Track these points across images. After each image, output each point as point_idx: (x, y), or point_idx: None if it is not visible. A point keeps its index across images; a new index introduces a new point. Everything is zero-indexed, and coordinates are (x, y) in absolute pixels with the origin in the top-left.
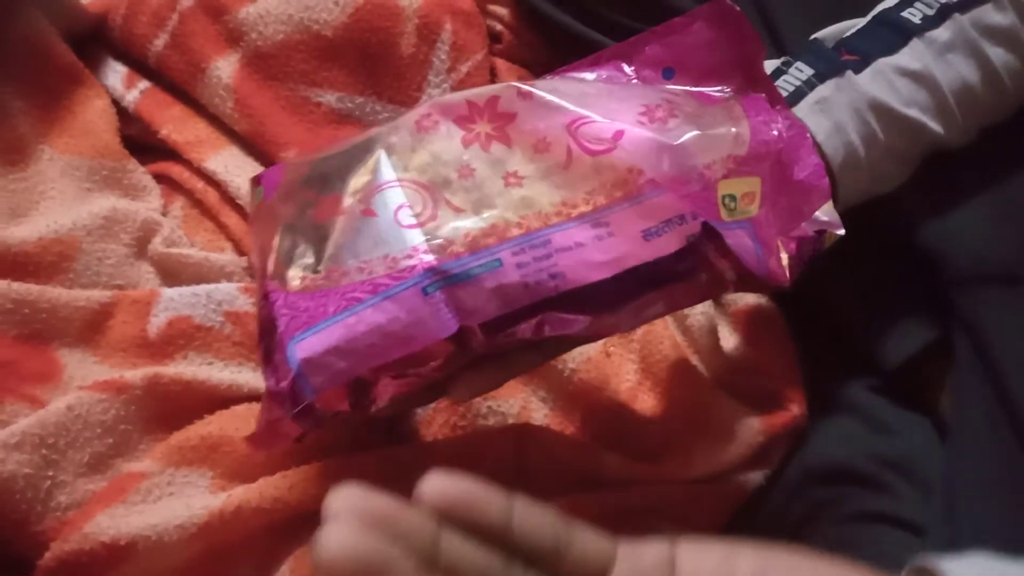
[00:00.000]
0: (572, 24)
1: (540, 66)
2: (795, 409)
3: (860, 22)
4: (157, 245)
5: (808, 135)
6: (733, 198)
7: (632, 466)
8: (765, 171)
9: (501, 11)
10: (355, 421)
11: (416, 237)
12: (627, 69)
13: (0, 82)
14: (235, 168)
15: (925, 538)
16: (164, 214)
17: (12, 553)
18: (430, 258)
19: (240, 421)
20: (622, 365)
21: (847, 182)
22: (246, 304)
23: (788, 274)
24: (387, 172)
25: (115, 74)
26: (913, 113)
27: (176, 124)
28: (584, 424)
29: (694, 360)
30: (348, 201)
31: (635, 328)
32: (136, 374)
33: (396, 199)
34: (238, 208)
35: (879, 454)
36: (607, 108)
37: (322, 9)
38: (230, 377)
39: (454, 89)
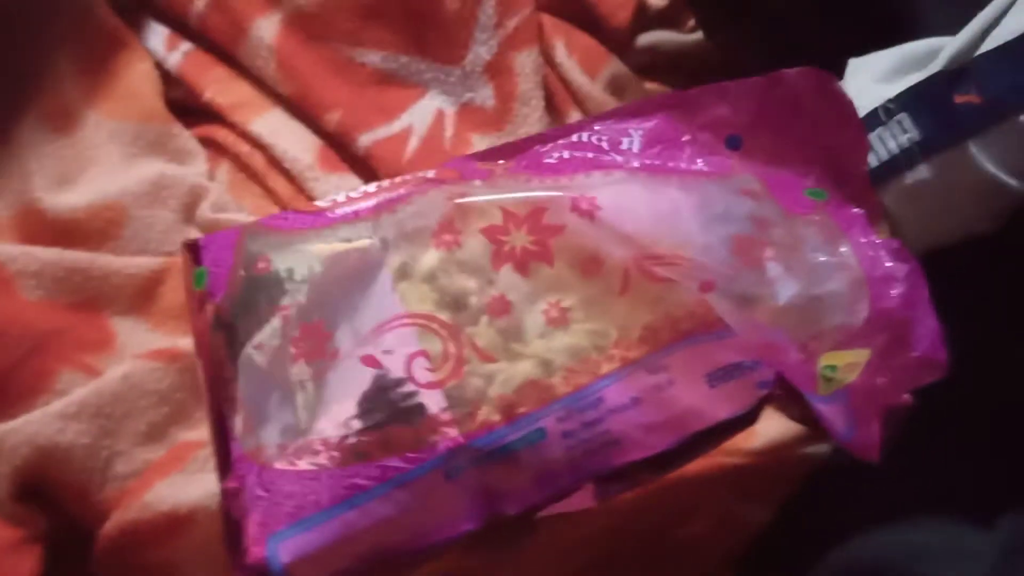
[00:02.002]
0: None
1: (589, 23)
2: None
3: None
4: (205, 210)
5: (926, 287)
6: (833, 369)
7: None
8: (879, 345)
9: None
10: None
11: (436, 401)
12: (682, 127)
13: (45, 47)
14: (280, 131)
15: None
16: (211, 178)
17: (74, 523)
18: (455, 432)
19: None
20: None
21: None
22: None
23: (878, 450)
24: (394, 303)
25: (157, 36)
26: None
27: (220, 86)
28: None
29: None
30: (341, 337)
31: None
32: (189, 342)
33: (408, 344)
34: (285, 172)
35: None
36: (687, 233)
37: None
38: None
39: (501, 47)
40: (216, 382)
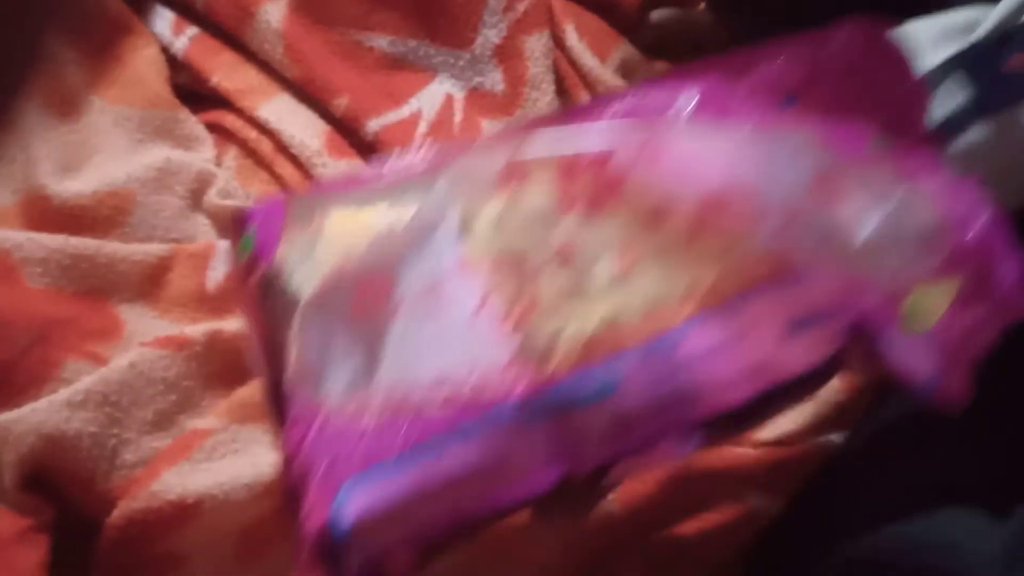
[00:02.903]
0: None
1: (599, 5)
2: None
3: None
4: (212, 197)
5: (1004, 224)
6: (917, 308)
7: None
8: (962, 281)
9: None
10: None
11: (508, 345)
12: (735, 88)
13: (50, 33)
14: (288, 116)
15: None
16: (218, 164)
17: (80, 512)
18: (528, 380)
19: None
20: None
21: None
22: None
23: (965, 395)
24: (460, 247)
25: (162, 20)
26: None
27: (226, 71)
28: None
29: None
30: (405, 286)
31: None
32: (197, 329)
33: (476, 289)
34: (292, 158)
35: None
36: (769, 175)
37: None
38: None
39: (510, 30)
40: (271, 344)
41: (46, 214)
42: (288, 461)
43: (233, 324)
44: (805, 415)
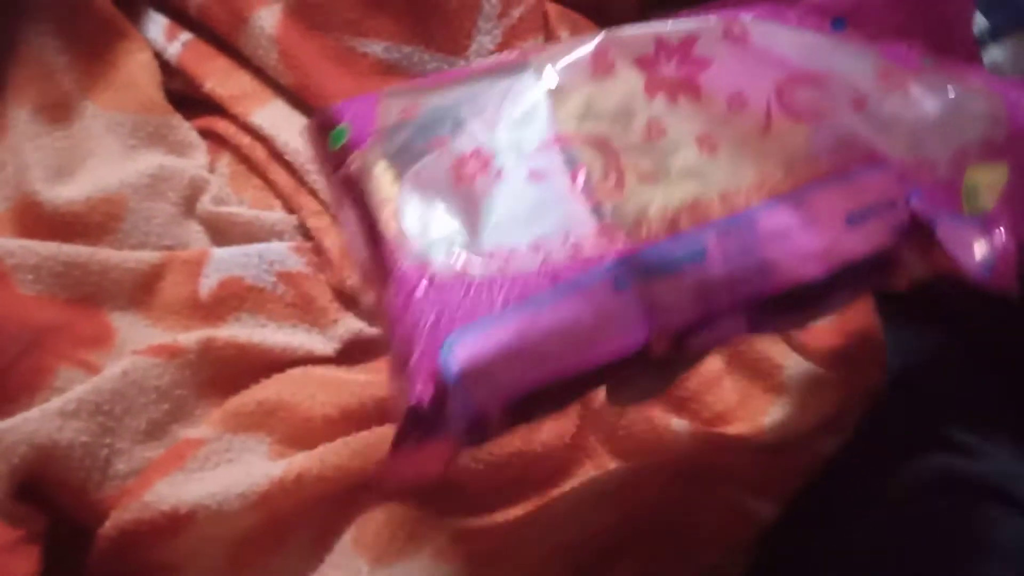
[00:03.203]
0: None
1: (594, 11)
2: (874, 369)
3: None
4: (206, 203)
5: None
6: (976, 188)
7: (699, 431)
8: (1017, 157)
9: None
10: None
11: (602, 213)
12: (787, 13)
13: (41, 37)
14: (282, 122)
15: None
16: (211, 171)
17: (72, 522)
18: (622, 243)
19: (296, 385)
20: None
21: None
22: (298, 264)
23: (1017, 281)
24: (554, 123)
25: (156, 25)
26: None
27: (220, 77)
28: None
29: None
30: (503, 159)
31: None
32: (190, 337)
33: (571, 160)
34: (286, 164)
35: (971, 412)
36: (838, 65)
37: None
38: (284, 339)
39: (505, 36)
40: (369, 223)
41: (38, 220)
42: (393, 324)
43: (226, 331)
44: (802, 419)
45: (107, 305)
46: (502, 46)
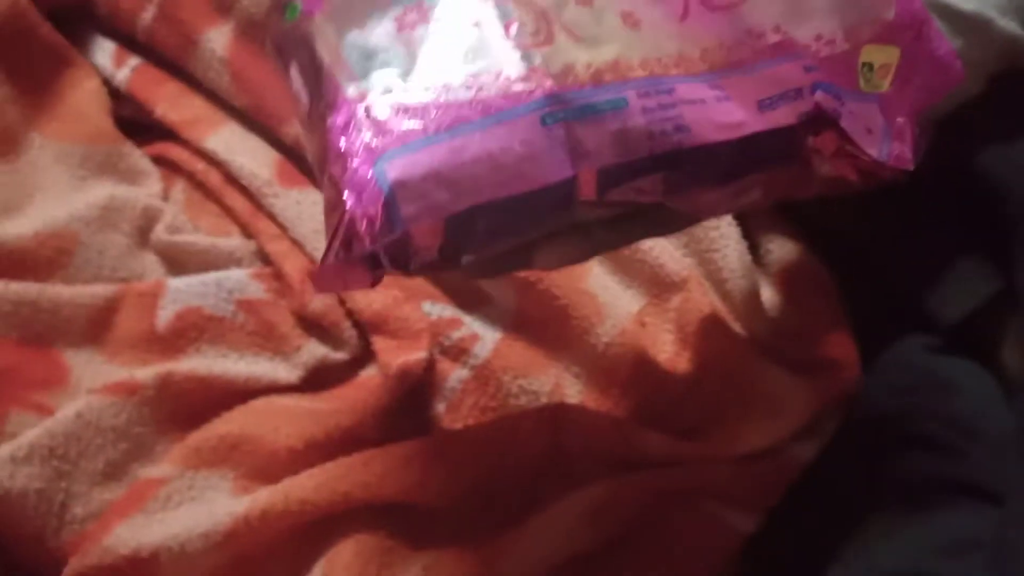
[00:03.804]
0: None
1: None
2: (848, 374)
3: None
4: (160, 233)
5: (933, 20)
6: (871, 67)
7: (674, 444)
8: (906, 43)
9: None
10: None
11: (532, 58)
12: None
13: None
14: (236, 146)
15: (1005, 508)
16: (166, 198)
17: (29, 570)
18: (550, 83)
19: (259, 417)
20: (658, 336)
21: None
22: (258, 291)
23: (913, 161)
24: None
25: (103, 52)
26: (972, 7)
27: (171, 102)
28: (621, 400)
29: (736, 327)
30: (441, 10)
31: (731, 212)
32: (147, 373)
33: (504, 13)
34: (242, 189)
35: (939, 412)
36: None
37: None
38: (247, 369)
39: None
40: (315, 73)
41: None
42: (333, 146)
43: (186, 364)
44: (777, 427)
45: (60, 343)
46: None
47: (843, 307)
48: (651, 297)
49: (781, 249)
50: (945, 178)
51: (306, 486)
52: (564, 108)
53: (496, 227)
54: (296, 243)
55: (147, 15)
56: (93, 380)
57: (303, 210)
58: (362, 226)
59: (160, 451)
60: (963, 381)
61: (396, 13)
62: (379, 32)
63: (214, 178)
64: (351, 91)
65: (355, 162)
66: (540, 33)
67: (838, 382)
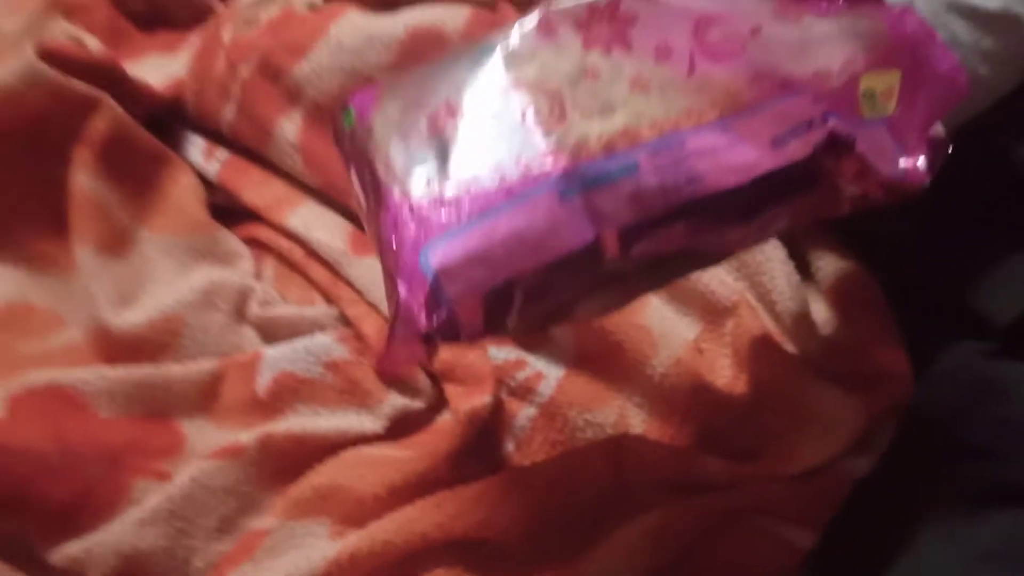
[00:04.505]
0: None
1: None
2: (900, 386)
3: None
4: (254, 308)
5: (936, 34)
6: (873, 94)
7: (733, 467)
8: (906, 64)
9: None
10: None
11: (547, 140)
12: None
13: (95, 180)
14: (314, 222)
15: None
16: (258, 274)
17: None
18: (565, 161)
19: (347, 467)
20: (716, 360)
21: None
22: (342, 353)
23: (927, 175)
24: (507, 76)
25: (195, 148)
26: (998, 6)
27: (256, 188)
28: (682, 427)
29: (788, 347)
30: (467, 107)
31: (764, 241)
32: (250, 435)
33: (521, 102)
34: (322, 260)
35: (996, 419)
36: (738, 4)
37: (370, 52)
38: (336, 424)
39: None
40: (371, 174)
41: (110, 346)
42: (386, 243)
43: (284, 424)
44: (832, 444)
45: (176, 414)
46: None
47: (893, 318)
48: (706, 323)
49: (830, 265)
50: (987, 176)
51: (388, 529)
52: (580, 181)
53: (533, 293)
54: (372, 306)
55: (229, 113)
56: (205, 445)
57: (376, 276)
58: (415, 310)
59: (265, 504)
60: (1020, 387)
61: (430, 111)
62: (416, 133)
63: (298, 253)
64: (396, 191)
65: (403, 255)
66: (554, 113)
67: (891, 395)
